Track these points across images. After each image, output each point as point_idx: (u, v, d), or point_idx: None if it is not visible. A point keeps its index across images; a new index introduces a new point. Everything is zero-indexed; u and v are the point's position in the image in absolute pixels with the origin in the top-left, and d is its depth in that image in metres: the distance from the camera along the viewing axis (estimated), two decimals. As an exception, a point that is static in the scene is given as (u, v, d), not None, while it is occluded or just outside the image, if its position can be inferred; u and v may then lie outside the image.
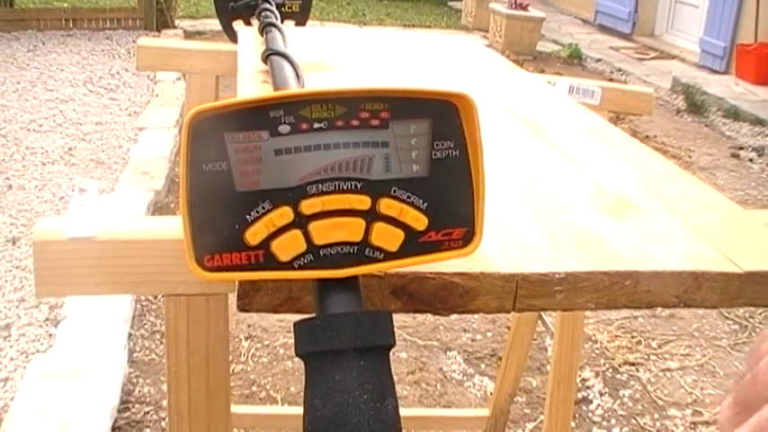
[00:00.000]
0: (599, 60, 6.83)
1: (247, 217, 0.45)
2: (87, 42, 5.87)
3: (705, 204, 0.69)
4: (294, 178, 0.45)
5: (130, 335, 2.26)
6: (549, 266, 0.54)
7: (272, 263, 0.45)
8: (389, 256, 0.47)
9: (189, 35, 6.37)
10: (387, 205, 0.46)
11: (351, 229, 0.46)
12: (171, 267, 0.56)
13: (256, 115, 0.44)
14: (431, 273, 0.51)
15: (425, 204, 0.47)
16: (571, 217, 0.64)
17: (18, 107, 4.22)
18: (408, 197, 0.47)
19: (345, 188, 0.45)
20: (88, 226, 0.57)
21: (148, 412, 1.96)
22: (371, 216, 0.46)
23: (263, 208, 0.45)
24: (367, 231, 0.46)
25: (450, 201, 0.48)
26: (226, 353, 0.62)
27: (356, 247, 0.46)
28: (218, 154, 0.43)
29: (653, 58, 7.02)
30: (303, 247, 0.45)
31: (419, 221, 0.47)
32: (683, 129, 5.15)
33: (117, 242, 0.56)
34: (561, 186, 0.71)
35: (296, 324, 0.44)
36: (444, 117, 0.47)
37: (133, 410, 1.96)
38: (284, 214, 0.45)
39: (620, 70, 6.52)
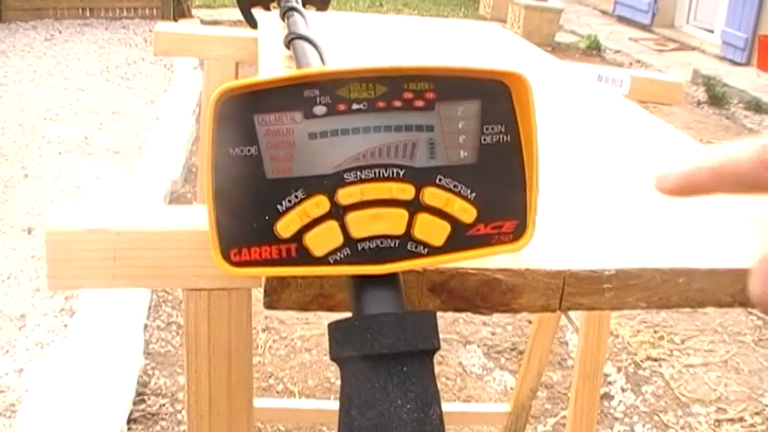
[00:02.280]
0: (618, 52, 6.77)
1: (278, 207, 0.41)
2: (104, 31, 5.86)
3: (762, 198, 0.65)
4: (330, 165, 0.41)
5: (146, 326, 2.24)
6: (599, 262, 0.50)
7: (306, 257, 0.42)
8: (434, 250, 0.43)
9: (206, 25, 6.34)
10: (432, 195, 0.42)
11: (392, 221, 0.42)
12: (191, 260, 0.53)
13: (289, 95, 0.40)
14: (472, 269, 0.47)
15: (473, 194, 0.43)
16: (621, 210, 0.60)
17: (35, 96, 4.21)
18: (455, 186, 0.43)
19: (386, 176, 0.41)
20: (104, 216, 0.53)
21: (164, 404, 1.94)
22: (415, 207, 0.42)
23: (296, 197, 0.41)
24: (410, 223, 0.42)
25: (500, 190, 0.44)
26: (249, 351, 0.59)
27: (397, 241, 0.42)
28: (246, 137, 0.40)
29: (673, 50, 6.95)
30: (340, 240, 0.41)
31: (467, 213, 0.43)
32: (703, 121, 5.09)
33: (134, 233, 0.53)
34: (610, 177, 0.67)
35: (330, 325, 0.40)
36: (495, 98, 0.43)
37: (149, 402, 1.94)
38: (319, 204, 0.41)
39: (639, 62, 6.44)
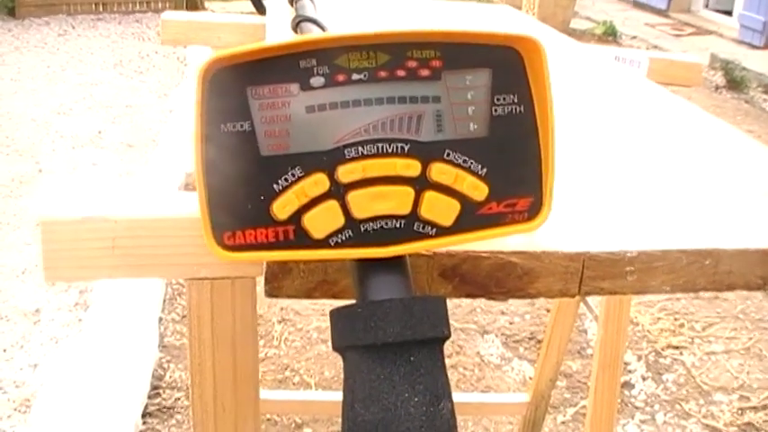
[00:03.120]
0: (634, 37, 6.70)
1: (274, 186, 0.38)
2: (117, 26, 5.86)
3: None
4: (329, 140, 0.38)
5: (161, 319, 2.22)
6: (620, 244, 0.47)
7: (304, 240, 0.39)
8: (443, 231, 0.40)
9: (218, 18, 6.32)
10: (439, 171, 0.39)
11: (397, 200, 0.39)
12: (192, 248, 0.50)
13: (284, 65, 0.37)
14: (485, 251, 0.44)
15: (485, 170, 0.40)
16: (643, 189, 0.57)
17: (48, 91, 4.22)
18: (465, 161, 0.39)
19: (390, 151, 0.38)
20: (101, 203, 0.51)
21: (179, 398, 1.93)
22: (421, 184, 0.39)
23: (293, 175, 0.38)
24: (416, 202, 0.39)
25: (513, 166, 0.41)
26: (254, 342, 0.56)
27: (403, 221, 0.39)
28: (239, 112, 0.37)
29: (690, 35, 6.87)
30: (341, 221, 0.38)
31: (478, 190, 0.40)
32: (722, 105, 5.02)
33: (133, 221, 0.50)
34: (631, 155, 0.64)
35: (332, 313, 0.37)
36: (507, 66, 0.40)
37: (164, 396, 1.93)
38: (318, 182, 0.38)
39: (656, 47, 6.37)
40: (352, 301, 0.38)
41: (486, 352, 2.19)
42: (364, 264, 0.39)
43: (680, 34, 6.87)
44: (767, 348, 2.33)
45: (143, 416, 1.82)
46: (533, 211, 0.42)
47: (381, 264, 0.39)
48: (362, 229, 0.39)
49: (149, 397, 1.90)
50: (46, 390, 1.80)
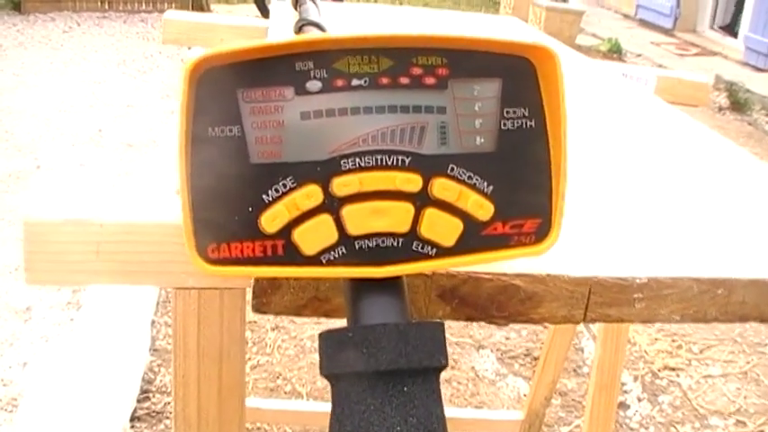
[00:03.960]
0: (639, 55, 6.70)
1: (264, 197, 0.35)
2: (122, 25, 5.86)
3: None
4: (325, 149, 0.35)
5: (153, 322, 2.20)
6: (629, 269, 0.44)
7: (294, 256, 0.36)
8: (443, 252, 0.37)
9: (224, 20, 6.33)
10: (442, 187, 0.36)
11: (395, 217, 0.36)
12: (180, 256, 0.47)
13: (279, 67, 0.34)
14: (487, 273, 0.42)
15: (491, 188, 0.37)
16: (654, 212, 0.54)
17: (50, 87, 4.21)
18: (470, 178, 0.37)
19: (390, 164, 0.36)
20: (87, 205, 0.49)
21: (169, 403, 1.90)
22: (422, 200, 0.36)
23: (285, 186, 0.35)
24: (416, 220, 0.36)
25: (521, 184, 0.38)
26: (242, 356, 0.54)
27: (401, 240, 0.37)
28: (228, 115, 0.34)
29: (695, 55, 6.86)
30: (334, 237, 0.36)
31: (483, 209, 0.37)
32: (725, 127, 5.01)
33: (119, 225, 0.48)
34: (642, 177, 0.62)
35: (321, 336, 0.34)
36: (518, 77, 0.37)
37: (153, 400, 1.90)
38: (311, 195, 0.35)
39: (660, 66, 6.36)
40: (343, 324, 0.36)
41: (481, 367, 2.16)
42: (358, 284, 0.37)
43: (684, 54, 6.87)
44: (765, 373, 2.30)
45: (131, 420, 1.80)
46: (541, 233, 0.39)
47: (376, 285, 0.36)
48: (357, 247, 0.36)
49: (138, 401, 1.87)
50: (33, 389, 1.78)
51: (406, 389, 0.33)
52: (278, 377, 2.06)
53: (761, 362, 2.36)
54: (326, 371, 0.35)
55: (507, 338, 2.31)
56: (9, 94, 4.05)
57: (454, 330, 2.29)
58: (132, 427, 1.80)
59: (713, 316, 0.46)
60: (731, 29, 7.16)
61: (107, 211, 0.48)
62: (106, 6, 6.18)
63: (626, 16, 8.45)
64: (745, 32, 6.56)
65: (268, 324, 2.26)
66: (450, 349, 2.20)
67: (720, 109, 5.41)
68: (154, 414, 1.86)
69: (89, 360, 1.89)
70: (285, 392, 2.01)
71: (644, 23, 8.03)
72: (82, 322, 2.07)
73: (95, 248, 0.49)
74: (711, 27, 7.48)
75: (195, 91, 0.34)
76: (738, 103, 5.41)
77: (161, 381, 1.98)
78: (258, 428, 1.83)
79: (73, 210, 0.48)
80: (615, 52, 6.79)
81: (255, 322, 2.25)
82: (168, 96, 4.24)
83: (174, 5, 6.31)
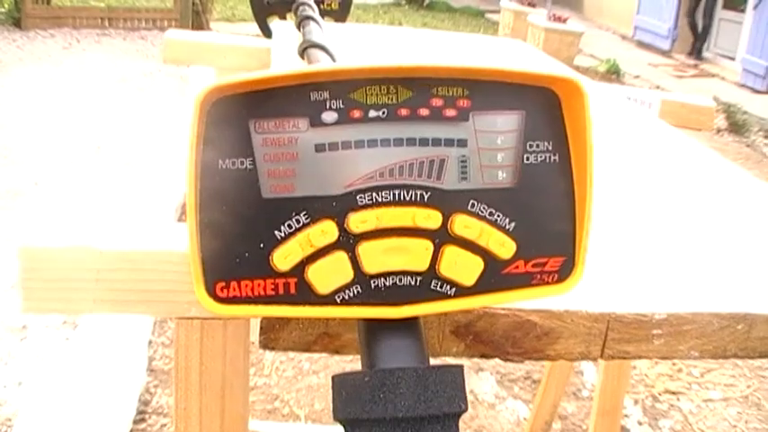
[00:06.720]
0: (637, 77, 6.72)
1: (276, 233, 0.34)
2: (122, 42, 5.87)
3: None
4: (340, 183, 0.34)
5: (150, 342, 2.18)
6: (648, 305, 0.43)
7: (307, 295, 0.35)
8: (463, 291, 0.36)
9: (224, 39, 6.34)
10: (462, 224, 0.35)
11: (413, 255, 0.35)
12: (182, 285, 0.46)
13: (293, 97, 0.33)
14: (503, 309, 0.40)
15: (512, 224, 0.36)
16: (672, 247, 0.53)
17: (49, 104, 4.20)
18: (491, 214, 0.35)
19: (408, 199, 0.34)
20: (86, 231, 0.47)
21: (165, 425, 1.88)
22: (441, 238, 0.35)
23: (298, 222, 0.34)
24: (435, 258, 0.35)
25: (544, 221, 0.37)
26: (245, 389, 0.52)
27: (419, 279, 0.35)
28: (239, 147, 0.33)
29: (692, 76, 6.88)
30: (349, 275, 0.34)
31: (504, 247, 0.36)
32: (723, 149, 5.01)
33: (119, 253, 0.46)
34: (660, 207, 0.60)
35: (335, 379, 0.33)
36: (542, 109, 0.36)
37: (149, 422, 1.88)
38: (326, 231, 0.34)
39: (658, 87, 6.38)
40: (358, 369, 0.34)
41: (481, 390, 2.15)
42: (374, 325, 0.35)
43: (682, 75, 6.89)
44: (766, 397, 2.29)
45: (127, 441, 1.78)
46: (564, 272, 0.38)
47: (393, 326, 0.35)
48: (373, 286, 0.35)
49: (134, 422, 1.85)
50: (28, 409, 1.75)
51: None
52: (276, 399, 2.04)
53: (762, 386, 2.35)
54: (341, 415, 0.33)
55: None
56: (7, 109, 4.04)
57: (453, 352, 2.27)
58: (128, 448, 1.78)
59: (732, 352, 0.45)
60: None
61: (107, 238, 0.47)
62: (106, 23, 6.19)
63: (624, 37, 8.48)
64: (743, 55, 6.58)
65: (266, 345, 2.23)
66: (449, 372, 2.17)
67: (718, 131, 5.42)
68: (150, 436, 1.84)
69: (85, 380, 1.87)
70: (283, 415, 1.98)
71: (642, 45, 8.06)
72: (78, 342, 2.05)
73: (95, 276, 0.47)
74: (708, 49, 7.51)
75: (206, 121, 0.32)
76: (736, 124, 5.42)
77: (157, 402, 1.95)
78: (255, 451, 1.81)
79: (71, 236, 0.47)
80: (614, 73, 6.81)
81: (253, 343, 2.23)
82: (167, 115, 4.23)
83: (173, 23, 6.31)
